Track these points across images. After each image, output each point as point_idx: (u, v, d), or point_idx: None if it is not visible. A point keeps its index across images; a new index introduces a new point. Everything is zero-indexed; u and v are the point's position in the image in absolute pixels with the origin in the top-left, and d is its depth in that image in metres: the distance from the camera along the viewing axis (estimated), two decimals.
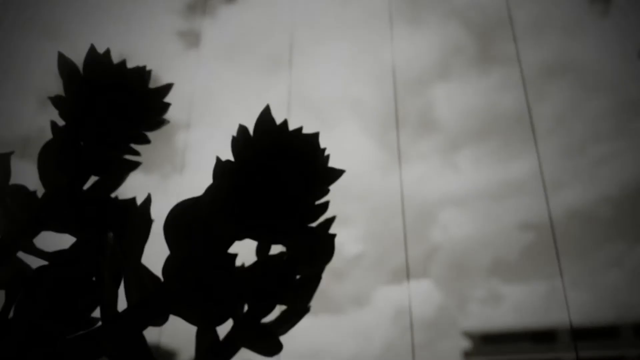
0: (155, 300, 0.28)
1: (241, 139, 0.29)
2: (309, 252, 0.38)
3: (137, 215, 0.28)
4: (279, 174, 0.29)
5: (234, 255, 0.29)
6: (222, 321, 0.29)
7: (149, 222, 0.29)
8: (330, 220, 0.41)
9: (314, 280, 0.40)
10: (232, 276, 0.28)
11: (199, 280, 0.28)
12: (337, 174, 0.30)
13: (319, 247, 0.39)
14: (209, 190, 0.29)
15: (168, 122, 0.37)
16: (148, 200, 0.29)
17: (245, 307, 0.40)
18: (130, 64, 0.36)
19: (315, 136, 0.29)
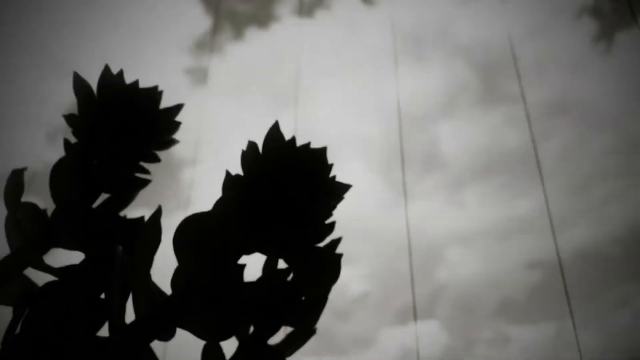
0: (163, 313, 0.28)
1: (250, 154, 0.30)
2: (315, 272, 0.39)
3: (147, 226, 0.29)
4: (287, 187, 0.29)
5: (242, 266, 0.29)
6: (228, 335, 0.29)
7: (159, 233, 0.29)
8: (337, 241, 0.41)
9: (320, 302, 0.40)
10: (239, 288, 0.29)
11: (206, 292, 0.29)
12: (344, 188, 0.31)
13: (325, 267, 0.39)
14: (218, 203, 0.29)
15: (178, 141, 0.38)
16: (159, 212, 0.29)
17: (251, 329, 0.40)
18: None
19: (323, 151, 0.30)
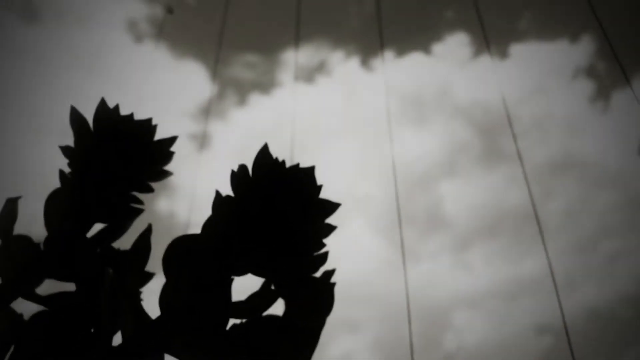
0: (150, 335, 0.28)
1: (240, 174, 0.30)
2: (308, 303, 0.38)
3: (136, 245, 0.29)
4: (277, 205, 0.29)
5: (229, 287, 0.29)
6: None
7: (148, 249, 0.29)
8: (331, 272, 0.41)
9: (314, 336, 0.39)
10: (227, 311, 0.28)
11: (193, 317, 0.28)
12: (334, 206, 0.31)
13: (318, 297, 0.38)
14: (208, 222, 0.30)
15: (171, 173, 0.39)
16: (148, 230, 0.30)
17: None
18: None
19: (311, 170, 0.30)
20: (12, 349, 0.33)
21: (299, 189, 0.30)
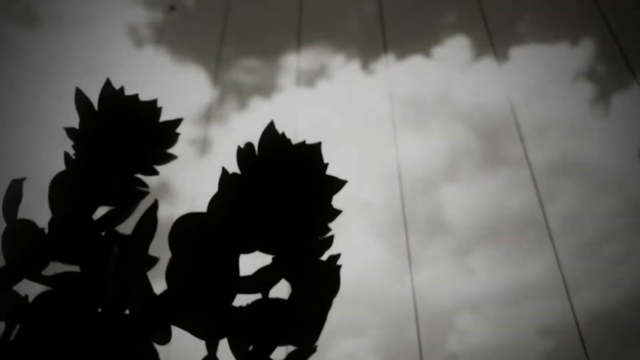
0: (158, 308, 0.28)
1: (246, 151, 0.30)
2: (314, 285, 0.38)
3: (142, 220, 0.29)
4: (283, 181, 0.29)
5: (237, 262, 0.29)
6: (223, 332, 0.29)
7: (154, 226, 0.29)
8: (336, 257, 0.40)
9: (320, 318, 0.39)
10: (234, 285, 0.28)
11: (200, 290, 0.28)
12: (340, 183, 0.31)
13: (324, 279, 0.38)
14: (214, 199, 0.29)
15: (176, 157, 0.38)
16: (155, 206, 0.29)
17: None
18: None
19: (317, 146, 0.30)
20: (17, 329, 0.33)
21: (305, 166, 0.30)
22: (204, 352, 0.33)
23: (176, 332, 0.30)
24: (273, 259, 0.32)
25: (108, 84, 0.36)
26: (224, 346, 0.32)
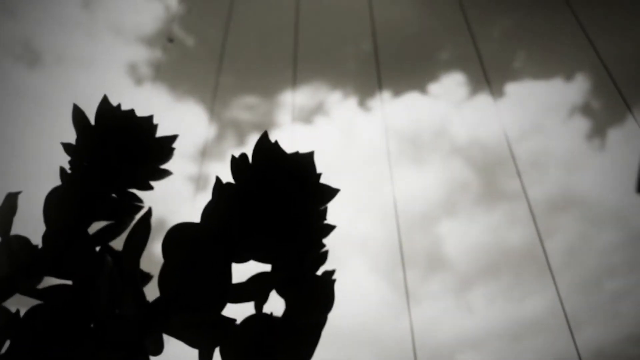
0: (150, 315, 0.28)
1: (240, 160, 0.30)
2: (309, 301, 0.38)
3: (136, 227, 0.29)
4: (276, 190, 0.29)
5: (230, 272, 0.29)
6: (215, 342, 0.28)
7: (147, 230, 0.29)
8: (331, 272, 0.40)
9: (314, 333, 0.39)
10: (226, 294, 0.28)
11: (191, 294, 0.28)
12: (333, 192, 0.31)
13: (319, 294, 0.38)
14: (207, 207, 0.30)
15: (171, 173, 0.39)
16: (149, 213, 0.30)
17: None
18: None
19: (310, 155, 0.31)
20: (7, 344, 0.33)
21: (298, 174, 0.30)
22: None
23: (169, 343, 0.29)
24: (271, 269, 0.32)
25: (105, 100, 0.37)
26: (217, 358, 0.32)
